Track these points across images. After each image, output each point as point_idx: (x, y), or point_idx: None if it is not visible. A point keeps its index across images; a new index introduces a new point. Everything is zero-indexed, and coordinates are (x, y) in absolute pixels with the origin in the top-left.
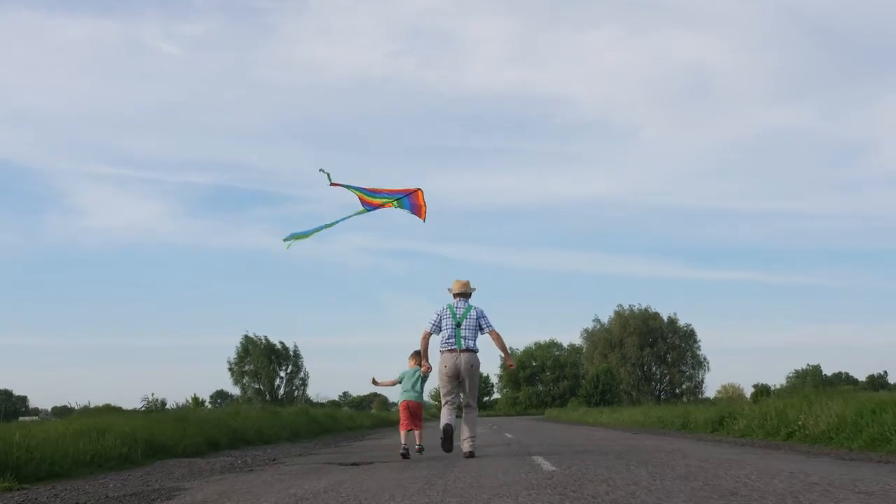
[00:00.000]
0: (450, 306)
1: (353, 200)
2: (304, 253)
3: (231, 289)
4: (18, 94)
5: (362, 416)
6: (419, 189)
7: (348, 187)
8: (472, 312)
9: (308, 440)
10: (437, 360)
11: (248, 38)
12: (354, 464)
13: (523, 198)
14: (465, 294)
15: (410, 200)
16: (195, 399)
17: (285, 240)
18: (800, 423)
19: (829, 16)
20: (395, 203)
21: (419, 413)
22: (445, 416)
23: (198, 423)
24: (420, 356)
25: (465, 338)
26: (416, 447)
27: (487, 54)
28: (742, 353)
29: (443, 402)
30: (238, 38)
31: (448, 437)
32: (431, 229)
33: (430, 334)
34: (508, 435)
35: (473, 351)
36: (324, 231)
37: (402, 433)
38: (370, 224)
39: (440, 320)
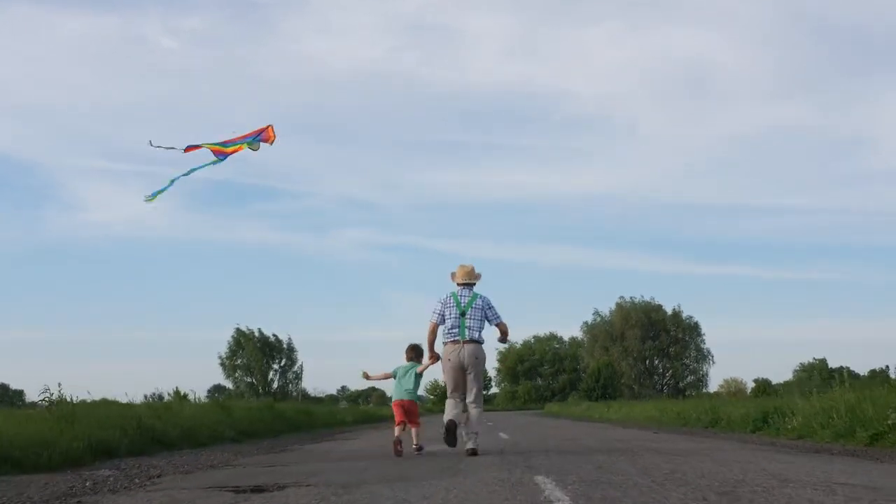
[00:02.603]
0: (453, 294)
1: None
2: (303, 250)
3: (231, 283)
4: (18, 89)
5: (346, 411)
6: (269, 125)
7: (203, 145)
8: (478, 301)
9: (260, 440)
10: (439, 352)
11: (248, 34)
12: (257, 489)
13: (523, 193)
14: (469, 282)
15: (262, 137)
16: (177, 392)
17: (147, 198)
18: (890, 422)
19: (829, 12)
20: (245, 145)
21: (415, 411)
22: (450, 410)
23: (93, 422)
24: (414, 350)
25: (469, 328)
26: (414, 446)
27: (487, 50)
28: (741, 348)
29: (448, 396)
30: (238, 33)
31: (451, 432)
32: (431, 226)
33: (436, 325)
34: (503, 435)
35: (478, 342)
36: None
37: (396, 428)
38: (369, 220)
39: (444, 309)
